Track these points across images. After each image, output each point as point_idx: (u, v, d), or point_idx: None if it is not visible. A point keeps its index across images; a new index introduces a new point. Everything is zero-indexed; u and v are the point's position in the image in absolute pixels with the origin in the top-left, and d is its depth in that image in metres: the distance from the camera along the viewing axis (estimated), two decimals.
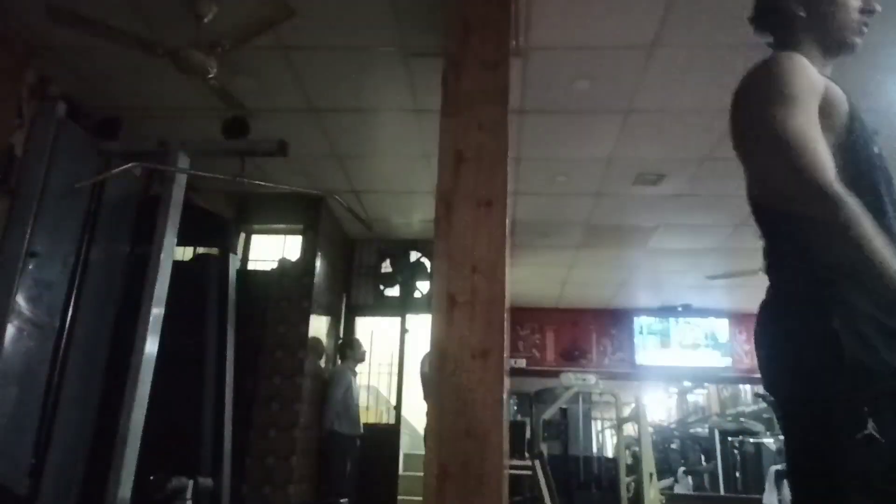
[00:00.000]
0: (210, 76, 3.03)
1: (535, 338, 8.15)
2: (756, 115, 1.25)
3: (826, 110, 1.22)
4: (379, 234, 6.20)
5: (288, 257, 5.55)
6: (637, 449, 5.36)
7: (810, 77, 1.24)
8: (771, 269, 1.27)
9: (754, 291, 6.08)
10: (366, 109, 4.04)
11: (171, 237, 2.60)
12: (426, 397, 3.81)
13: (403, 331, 6.25)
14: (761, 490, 5.25)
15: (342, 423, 5.19)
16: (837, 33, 1.42)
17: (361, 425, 5.43)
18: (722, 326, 8.15)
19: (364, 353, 5.68)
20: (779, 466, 5.00)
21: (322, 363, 5.55)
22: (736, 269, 6.05)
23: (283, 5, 2.76)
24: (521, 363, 8.00)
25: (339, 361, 5.77)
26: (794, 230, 1.18)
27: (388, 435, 5.89)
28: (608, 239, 5.99)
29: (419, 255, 6.29)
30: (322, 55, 3.53)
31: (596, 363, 8.00)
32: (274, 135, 3.03)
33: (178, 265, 2.66)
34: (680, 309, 8.17)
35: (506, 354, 2.11)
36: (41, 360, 2.42)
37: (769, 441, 6.36)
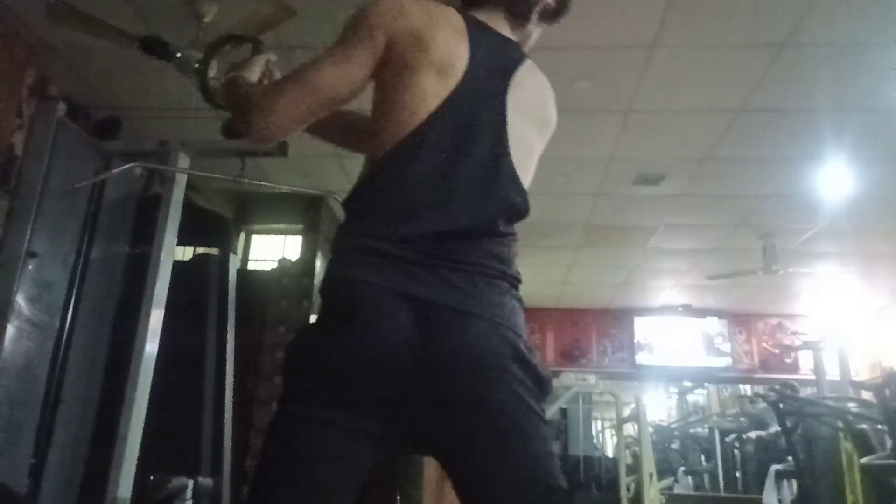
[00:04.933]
0: (210, 76, 3.03)
1: (535, 338, 8.14)
2: None
3: None
4: None
5: (288, 257, 5.55)
6: (637, 449, 5.36)
7: None
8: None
9: (754, 291, 6.10)
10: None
11: (171, 237, 2.60)
12: None
13: None
14: (761, 490, 5.25)
15: None
16: None
17: None
18: (722, 326, 8.15)
19: None
20: (779, 466, 5.00)
21: None
22: (736, 269, 6.05)
23: (283, 5, 2.76)
24: None
25: None
26: None
27: None
28: (608, 239, 5.99)
29: None
30: None
31: (596, 363, 8.00)
32: None
33: (178, 265, 2.66)
34: (680, 309, 8.17)
35: None
36: (41, 360, 2.42)
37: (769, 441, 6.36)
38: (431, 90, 1.07)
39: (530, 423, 1.01)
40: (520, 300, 1.10)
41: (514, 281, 1.09)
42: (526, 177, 1.16)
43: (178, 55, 1.62)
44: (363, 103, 1.28)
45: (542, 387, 1.05)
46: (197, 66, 1.50)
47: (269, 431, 1.05)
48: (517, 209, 1.13)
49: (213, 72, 3.00)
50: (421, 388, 0.99)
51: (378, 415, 1.02)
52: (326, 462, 1.01)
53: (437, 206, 1.05)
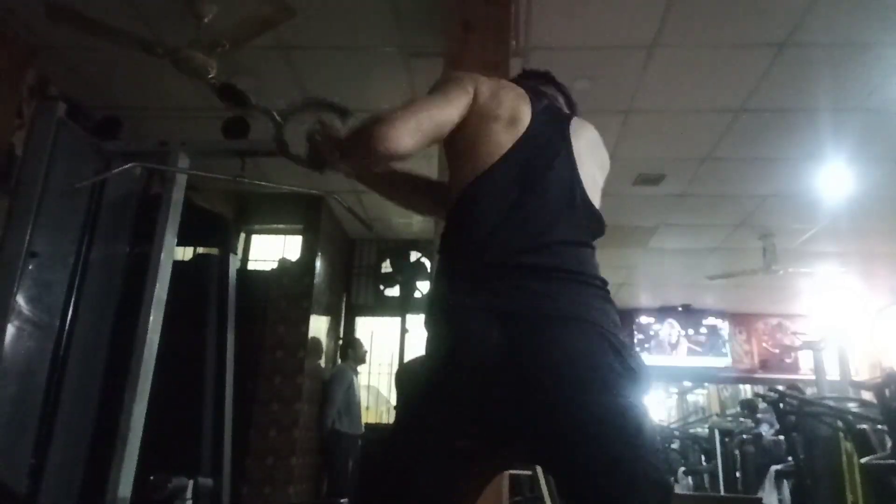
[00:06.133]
0: (210, 76, 3.03)
1: None
2: None
3: None
4: (379, 234, 6.20)
5: (288, 257, 5.55)
6: None
7: None
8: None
9: (754, 291, 6.08)
10: (366, 109, 4.01)
11: (171, 237, 2.60)
12: None
13: (403, 331, 6.24)
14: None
15: (343, 422, 5.18)
16: None
17: (363, 425, 5.43)
18: (721, 326, 8.15)
19: (365, 353, 5.68)
20: (779, 466, 4.99)
21: (322, 363, 5.55)
22: (736, 269, 6.05)
23: (283, 5, 2.76)
24: None
25: (340, 361, 5.77)
26: None
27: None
28: (608, 239, 5.92)
29: (419, 255, 6.29)
30: (322, 55, 3.53)
31: None
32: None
33: (178, 265, 2.65)
34: (680, 309, 8.17)
35: None
36: (41, 360, 2.42)
37: (769, 441, 6.36)
38: (503, 138, 1.24)
39: (629, 418, 1.03)
40: (609, 300, 1.17)
41: (602, 283, 1.19)
42: (595, 204, 1.32)
43: (255, 104, 1.65)
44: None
45: (638, 381, 1.07)
46: (278, 119, 1.54)
47: (388, 445, 1.17)
48: (593, 228, 1.29)
49: (213, 71, 3.01)
50: (520, 395, 1.03)
51: (483, 426, 1.08)
52: (435, 474, 1.10)
53: (516, 228, 1.15)
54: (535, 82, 1.53)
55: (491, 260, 1.13)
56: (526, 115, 1.28)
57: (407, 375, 1.19)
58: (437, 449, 1.10)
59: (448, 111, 1.24)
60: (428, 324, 1.18)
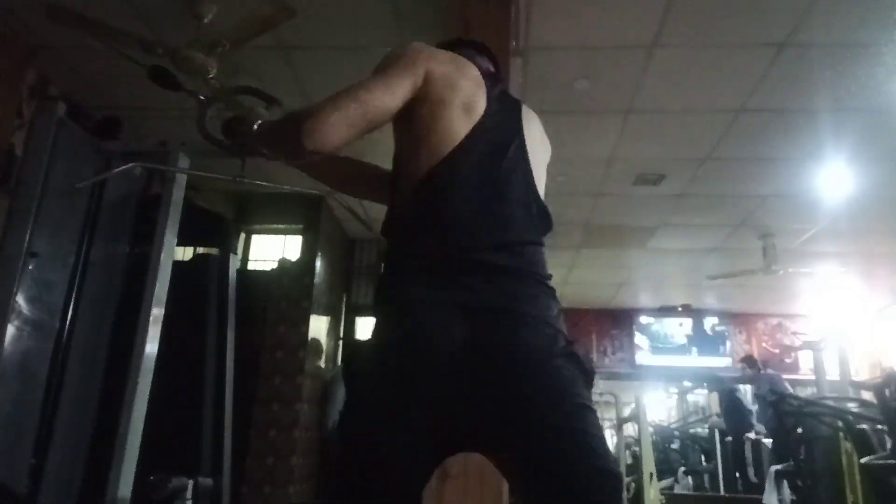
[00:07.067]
0: (210, 76, 3.03)
1: None
2: None
3: None
4: (379, 234, 6.19)
5: (288, 257, 5.55)
6: (637, 449, 5.36)
7: None
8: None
9: (754, 291, 6.09)
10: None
11: (171, 237, 2.60)
12: None
13: None
14: (761, 490, 5.25)
15: None
16: None
17: None
18: (721, 326, 8.15)
19: None
20: (779, 466, 5.00)
21: (322, 363, 5.55)
22: (736, 269, 6.05)
23: (283, 5, 2.76)
24: None
25: (342, 361, 5.77)
26: None
27: None
28: (608, 239, 6.00)
29: None
30: (322, 55, 3.53)
31: (596, 363, 8.00)
32: None
33: (178, 265, 2.65)
34: (680, 309, 8.17)
35: None
36: (41, 360, 2.42)
37: (768, 441, 6.37)
38: (459, 125, 1.19)
39: (580, 411, 1.06)
40: (556, 299, 1.20)
41: (551, 282, 1.21)
42: (542, 193, 1.30)
43: (186, 87, 1.67)
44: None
45: (587, 376, 1.12)
46: (202, 98, 1.55)
47: (341, 441, 1.13)
48: (543, 225, 1.26)
49: (213, 71, 3.00)
50: (478, 389, 1.05)
51: (441, 420, 1.07)
52: (394, 467, 1.07)
53: (481, 224, 1.14)
54: (470, 51, 1.42)
55: (458, 255, 1.12)
56: (481, 103, 1.23)
57: (357, 362, 1.15)
58: (395, 440, 1.07)
59: (386, 101, 1.17)
60: (383, 312, 1.14)
